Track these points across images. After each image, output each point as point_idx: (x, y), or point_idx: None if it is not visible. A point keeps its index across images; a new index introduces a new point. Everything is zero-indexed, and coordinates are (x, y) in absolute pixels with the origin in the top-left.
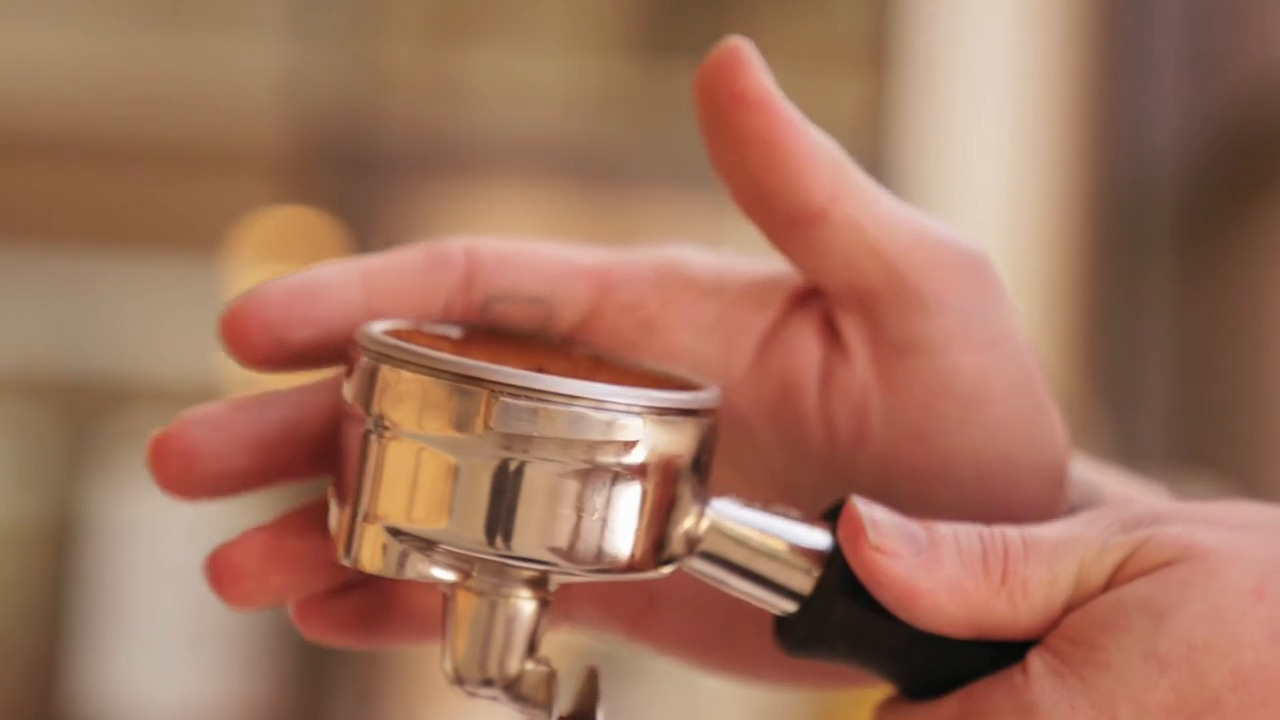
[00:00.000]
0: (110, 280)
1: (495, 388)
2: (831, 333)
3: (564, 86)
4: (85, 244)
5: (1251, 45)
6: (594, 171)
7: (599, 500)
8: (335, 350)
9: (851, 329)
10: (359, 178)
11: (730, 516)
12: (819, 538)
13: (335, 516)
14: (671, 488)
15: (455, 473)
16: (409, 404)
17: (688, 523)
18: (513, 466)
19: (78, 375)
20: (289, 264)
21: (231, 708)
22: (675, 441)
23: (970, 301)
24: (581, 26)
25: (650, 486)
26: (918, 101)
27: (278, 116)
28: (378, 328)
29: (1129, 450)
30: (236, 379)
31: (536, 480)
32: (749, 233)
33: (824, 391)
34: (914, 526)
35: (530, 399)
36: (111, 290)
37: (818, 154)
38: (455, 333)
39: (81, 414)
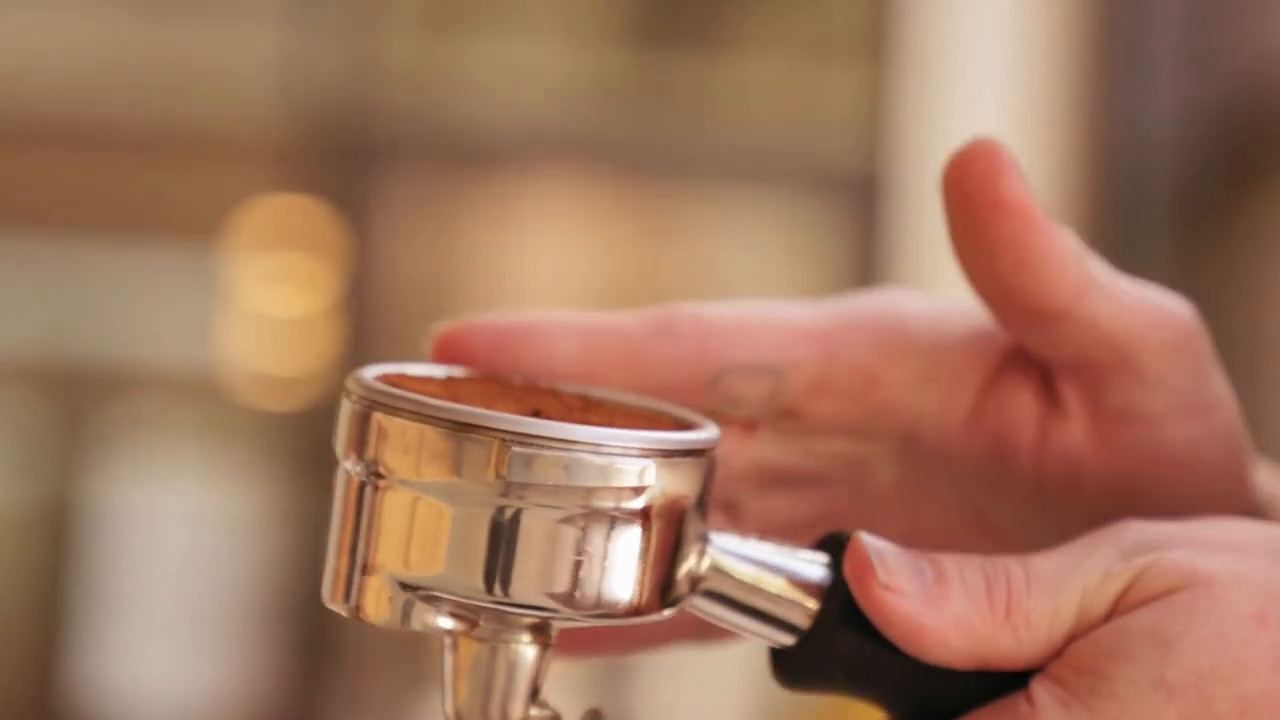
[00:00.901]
0: (107, 267)
1: (506, 436)
2: (1048, 393)
3: (560, 76)
4: (82, 231)
5: (1248, 40)
6: (591, 159)
7: (604, 545)
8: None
9: (1071, 395)
10: (356, 166)
11: (730, 552)
12: (817, 570)
13: (332, 564)
14: (677, 529)
15: (460, 521)
16: (409, 453)
17: (691, 562)
18: (512, 513)
19: (74, 362)
20: (285, 252)
21: (227, 694)
22: (681, 483)
23: (1189, 374)
24: (578, 17)
25: (657, 530)
26: (915, 94)
27: (275, 105)
28: (370, 373)
29: None
30: (233, 369)
31: (539, 527)
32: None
33: (1038, 451)
34: (920, 561)
35: (539, 446)
36: (108, 277)
37: (1066, 255)
38: (441, 372)
39: (78, 401)
